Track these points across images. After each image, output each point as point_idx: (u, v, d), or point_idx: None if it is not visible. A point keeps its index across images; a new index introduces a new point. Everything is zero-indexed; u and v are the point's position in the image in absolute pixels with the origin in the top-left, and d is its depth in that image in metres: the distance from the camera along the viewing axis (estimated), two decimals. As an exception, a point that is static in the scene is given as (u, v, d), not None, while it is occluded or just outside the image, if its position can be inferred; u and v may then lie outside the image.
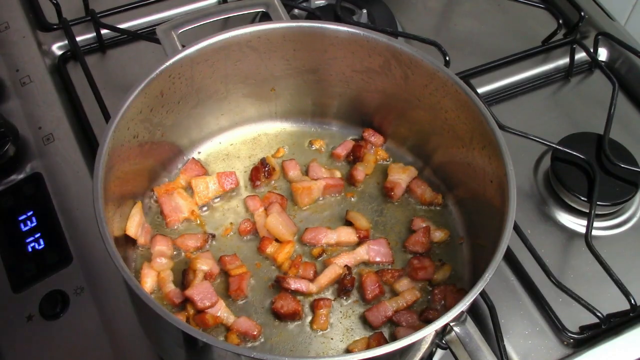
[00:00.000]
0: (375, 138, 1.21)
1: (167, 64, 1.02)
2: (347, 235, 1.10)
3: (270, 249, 1.08)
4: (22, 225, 1.14)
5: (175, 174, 1.16)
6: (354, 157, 1.19)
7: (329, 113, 1.22)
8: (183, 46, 1.06)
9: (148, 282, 1.02)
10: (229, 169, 1.16)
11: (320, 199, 1.15)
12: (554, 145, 1.23)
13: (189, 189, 1.13)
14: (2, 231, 1.14)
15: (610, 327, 1.08)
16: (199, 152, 1.19)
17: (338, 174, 1.17)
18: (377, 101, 1.18)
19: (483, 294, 1.08)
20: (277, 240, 1.09)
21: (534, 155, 1.31)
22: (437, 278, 1.06)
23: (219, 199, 1.14)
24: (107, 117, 1.22)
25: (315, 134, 1.23)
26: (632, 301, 1.07)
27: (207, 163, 1.18)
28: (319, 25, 1.10)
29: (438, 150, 1.16)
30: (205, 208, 1.13)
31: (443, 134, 1.12)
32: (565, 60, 1.44)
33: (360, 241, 1.10)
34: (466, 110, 1.04)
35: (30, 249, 1.12)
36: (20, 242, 1.12)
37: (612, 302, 1.08)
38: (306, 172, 1.17)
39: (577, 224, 1.22)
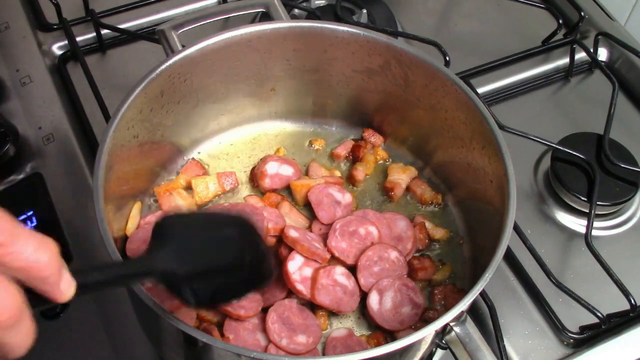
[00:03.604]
0: (375, 138, 1.21)
1: (167, 64, 1.02)
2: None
3: (270, 249, 1.08)
4: (22, 225, 1.14)
5: (175, 174, 1.16)
6: (354, 157, 1.19)
7: (329, 113, 1.22)
8: (183, 46, 1.06)
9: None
10: (229, 169, 1.16)
11: (320, 199, 1.15)
12: (554, 145, 1.23)
13: (189, 189, 1.13)
14: (2, 231, 1.13)
15: (610, 327, 1.08)
16: (199, 152, 1.19)
17: (338, 174, 1.17)
18: (377, 101, 1.18)
19: (483, 294, 1.08)
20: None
21: (534, 155, 1.31)
22: (437, 278, 1.06)
23: (219, 199, 1.14)
24: (107, 117, 1.22)
25: (315, 134, 1.23)
26: (632, 301, 1.07)
27: (207, 163, 1.18)
28: (319, 25, 1.10)
29: (438, 150, 1.16)
30: (205, 208, 1.13)
31: (443, 134, 1.12)
32: (565, 61, 1.44)
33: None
34: (466, 110, 1.04)
35: (30, 249, 1.11)
36: (20, 242, 1.12)
37: (612, 302, 1.08)
38: (306, 172, 1.17)
39: (577, 224, 1.22)
